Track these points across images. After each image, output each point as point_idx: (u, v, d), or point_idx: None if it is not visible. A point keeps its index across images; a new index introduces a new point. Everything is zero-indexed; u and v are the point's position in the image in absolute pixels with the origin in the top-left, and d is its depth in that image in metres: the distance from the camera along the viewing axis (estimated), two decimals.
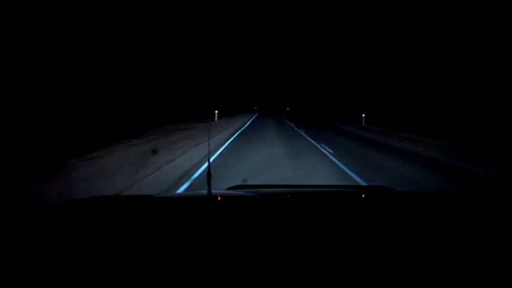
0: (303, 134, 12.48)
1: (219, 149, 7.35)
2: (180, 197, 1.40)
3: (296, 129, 15.01)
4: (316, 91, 63.40)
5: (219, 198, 1.12)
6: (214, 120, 18.84)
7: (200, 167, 5.11)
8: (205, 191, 1.13)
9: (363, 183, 4.43)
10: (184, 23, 29.50)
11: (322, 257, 0.56)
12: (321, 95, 57.33)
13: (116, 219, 0.80)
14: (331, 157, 6.63)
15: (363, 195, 1.32)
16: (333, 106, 43.56)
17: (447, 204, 1.10)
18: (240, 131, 12.67)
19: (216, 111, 19.51)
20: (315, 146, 8.48)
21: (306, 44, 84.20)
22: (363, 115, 19.73)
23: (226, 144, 8.53)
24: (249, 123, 18.94)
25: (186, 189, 3.94)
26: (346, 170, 5.33)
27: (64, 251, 0.57)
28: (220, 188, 1.43)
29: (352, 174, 4.97)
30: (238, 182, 3.65)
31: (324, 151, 7.48)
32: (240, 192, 1.25)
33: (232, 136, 10.58)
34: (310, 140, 10.06)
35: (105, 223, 0.76)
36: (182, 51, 28.20)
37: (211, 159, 5.75)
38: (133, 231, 0.70)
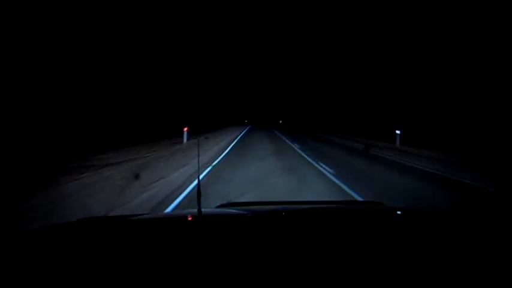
0: (341, 185, 6.16)
1: None
2: (170, 217, 1.36)
3: (314, 162, 8.79)
4: (312, 102, 58.29)
5: (209, 217, 1.10)
6: (182, 142, 12.61)
7: None
8: (195, 210, 1.09)
9: None
10: (165, 23, 23.86)
11: (317, 278, 0.55)
12: (318, 106, 52.18)
13: (106, 241, 0.78)
14: None
15: (356, 212, 1.26)
16: (331, 119, 38.76)
17: (436, 219, 1.10)
18: (204, 176, 6.28)
19: (185, 129, 13.30)
20: None
21: (300, 49, 79.97)
22: (398, 132, 13.77)
23: None
24: (231, 147, 12.65)
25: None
26: None
27: (56, 275, 0.56)
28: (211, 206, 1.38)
29: None
30: None
31: None
32: (230, 210, 1.25)
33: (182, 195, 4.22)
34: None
35: (96, 245, 0.75)
36: (161, 54, 22.40)
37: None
38: (123, 254, 0.68)
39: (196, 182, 4.53)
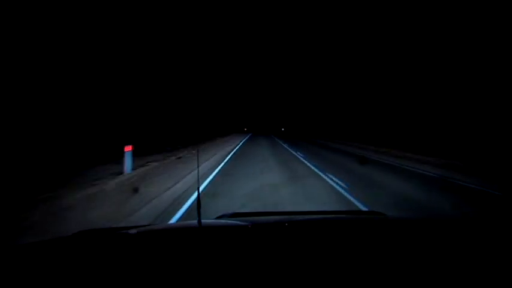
0: None
1: None
2: (170, 228, 1.33)
3: None
4: (316, 109, 52.75)
5: (208, 229, 1.08)
6: (123, 173, 6.67)
7: None
8: (195, 221, 1.08)
9: None
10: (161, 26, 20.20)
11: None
12: (323, 112, 46.68)
13: (106, 253, 0.78)
14: None
15: (358, 223, 1.23)
16: (338, 125, 34.04)
17: (437, 229, 1.07)
18: None
19: (127, 149, 7.38)
20: None
21: (302, 53, 74.89)
22: None
23: None
24: (209, 182, 6.52)
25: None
26: None
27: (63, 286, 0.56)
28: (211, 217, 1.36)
29: None
30: None
31: None
32: (231, 221, 1.23)
33: None
34: None
35: (97, 257, 0.75)
36: (154, 57, 19.72)
37: None
38: (123, 265, 0.67)
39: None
